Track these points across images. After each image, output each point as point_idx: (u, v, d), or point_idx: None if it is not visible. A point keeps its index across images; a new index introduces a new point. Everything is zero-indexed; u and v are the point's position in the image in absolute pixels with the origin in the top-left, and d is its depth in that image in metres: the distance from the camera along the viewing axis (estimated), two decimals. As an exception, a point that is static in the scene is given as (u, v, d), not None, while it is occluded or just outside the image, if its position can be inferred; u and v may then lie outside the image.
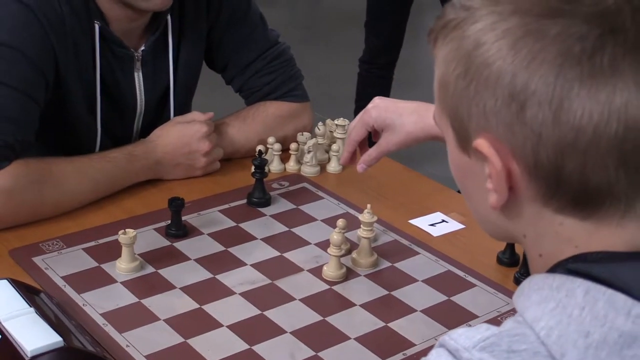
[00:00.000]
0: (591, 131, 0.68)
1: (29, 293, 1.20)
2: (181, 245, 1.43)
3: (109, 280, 1.33)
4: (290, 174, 1.70)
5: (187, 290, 1.31)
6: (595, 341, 0.67)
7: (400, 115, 1.35)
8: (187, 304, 1.28)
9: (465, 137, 0.76)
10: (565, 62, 0.68)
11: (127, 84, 1.64)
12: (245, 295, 1.31)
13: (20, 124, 1.45)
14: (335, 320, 1.26)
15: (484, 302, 1.31)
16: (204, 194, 1.60)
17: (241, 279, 1.35)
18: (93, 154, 1.57)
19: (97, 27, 1.55)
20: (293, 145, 1.70)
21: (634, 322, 0.67)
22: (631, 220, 0.71)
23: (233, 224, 1.50)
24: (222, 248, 1.43)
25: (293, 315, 1.26)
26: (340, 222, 1.36)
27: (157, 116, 1.71)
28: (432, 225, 1.53)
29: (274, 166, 1.69)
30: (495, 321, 1.26)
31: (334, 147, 1.71)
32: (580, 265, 0.71)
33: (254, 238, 1.46)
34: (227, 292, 1.31)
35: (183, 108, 1.74)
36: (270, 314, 1.26)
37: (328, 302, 1.31)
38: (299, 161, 1.71)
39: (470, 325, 1.24)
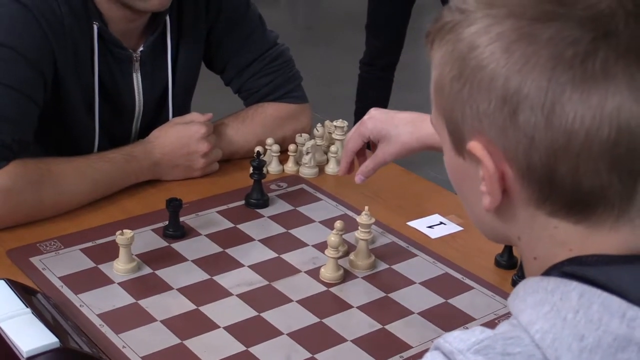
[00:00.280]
0: (583, 135, 0.68)
1: (25, 293, 1.20)
2: (179, 246, 1.43)
3: (106, 281, 1.32)
4: (288, 175, 1.70)
5: (184, 291, 1.31)
6: (589, 344, 0.67)
7: (396, 127, 1.36)
8: (184, 305, 1.28)
9: (460, 139, 0.76)
10: (558, 66, 0.68)
11: (125, 84, 1.64)
12: (242, 296, 1.30)
13: (18, 124, 1.45)
14: (332, 322, 1.26)
15: (481, 305, 1.31)
16: (202, 194, 1.60)
17: (238, 280, 1.35)
18: (91, 155, 1.57)
19: (95, 27, 1.55)
20: (292, 147, 1.70)
21: (629, 326, 0.67)
22: (625, 224, 0.71)
23: (231, 225, 1.50)
24: (219, 249, 1.43)
25: (290, 317, 1.26)
26: (338, 224, 1.36)
27: (155, 117, 1.71)
28: (430, 227, 1.53)
29: (273, 167, 1.69)
30: (493, 324, 1.26)
31: (333, 148, 1.71)
32: (575, 268, 0.71)
33: (251, 239, 1.46)
34: (224, 293, 1.31)
35: (182, 109, 1.74)
36: (267, 315, 1.26)
37: (325, 303, 1.31)
38: (298, 162, 1.71)
39: (467, 328, 1.25)
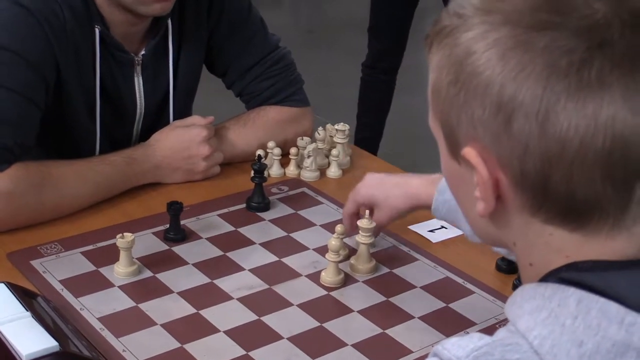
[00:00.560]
0: (577, 144, 0.68)
1: (25, 297, 1.20)
2: (179, 249, 1.43)
3: (106, 284, 1.32)
4: (289, 178, 1.70)
5: (184, 295, 1.31)
6: (588, 350, 0.67)
7: (385, 191, 1.40)
8: (185, 309, 1.28)
9: (455, 144, 0.76)
10: (553, 74, 0.68)
11: (127, 88, 1.64)
12: (243, 300, 1.30)
13: (20, 127, 1.46)
14: (332, 326, 1.26)
15: (482, 310, 1.31)
16: (203, 198, 1.59)
17: (239, 284, 1.34)
18: (93, 158, 1.57)
19: (97, 31, 1.55)
20: (293, 150, 1.70)
21: (627, 331, 0.67)
22: (620, 233, 0.71)
23: (232, 228, 1.50)
24: (220, 253, 1.43)
25: (290, 321, 1.26)
26: (339, 228, 1.36)
27: (157, 120, 1.71)
28: (431, 231, 1.52)
29: (274, 171, 1.69)
30: (493, 328, 1.26)
31: (334, 152, 1.71)
32: (572, 274, 0.71)
33: (252, 243, 1.46)
34: (225, 297, 1.31)
35: (183, 112, 1.74)
36: (268, 319, 1.26)
37: (326, 308, 1.30)
38: (299, 166, 1.71)
39: (467, 333, 1.24)
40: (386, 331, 1.25)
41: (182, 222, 1.46)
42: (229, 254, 1.42)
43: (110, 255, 1.37)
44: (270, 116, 1.75)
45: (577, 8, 0.69)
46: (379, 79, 3.40)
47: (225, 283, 1.34)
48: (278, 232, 1.50)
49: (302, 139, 1.73)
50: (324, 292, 1.34)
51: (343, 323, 1.27)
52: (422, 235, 1.51)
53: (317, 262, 1.41)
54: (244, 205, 1.57)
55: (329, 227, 1.49)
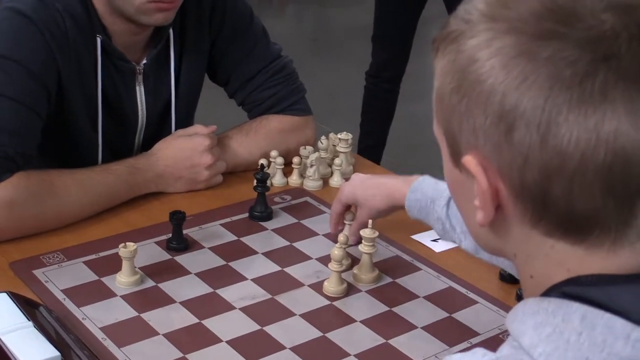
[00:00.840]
0: (578, 157, 0.67)
1: (28, 307, 1.20)
2: (182, 259, 1.42)
3: (109, 293, 1.32)
4: (292, 187, 1.70)
5: (187, 304, 1.30)
6: None
7: (365, 191, 1.44)
8: (187, 319, 1.27)
9: (457, 151, 0.75)
10: (555, 85, 0.67)
11: (128, 97, 1.65)
12: (245, 310, 1.30)
13: (22, 136, 1.46)
14: (335, 336, 1.25)
15: (485, 320, 1.30)
16: (205, 207, 1.59)
17: (241, 293, 1.34)
18: (95, 167, 1.57)
19: (99, 40, 1.55)
20: (296, 159, 1.70)
21: (634, 347, 0.66)
22: (623, 247, 0.70)
23: (234, 237, 1.50)
24: (222, 262, 1.42)
25: (293, 331, 1.26)
26: (342, 237, 1.35)
27: (158, 129, 1.71)
28: (434, 240, 1.52)
29: (277, 180, 1.69)
30: (497, 339, 1.25)
31: (337, 161, 1.71)
32: (575, 289, 0.70)
33: (255, 252, 1.46)
34: (227, 306, 1.31)
35: (185, 121, 1.74)
36: (270, 329, 1.26)
37: (328, 317, 1.30)
38: (302, 175, 1.71)
39: (471, 343, 1.24)
40: (389, 341, 1.25)
41: (184, 232, 1.46)
42: (232, 264, 1.42)
43: (112, 265, 1.36)
44: (272, 125, 1.75)
45: (584, 19, 0.67)
46: (383, 88, 3.40)
47: (228, 293, 1.34)
48: (281, 242, 1.50)
49: (305, 148, 1.73)
50: (327, 302, 1.33)
51: (346, 333, 1.26)
52: (425, 245, 1.51)
53: (319, 272, 1.40)
54: (246, 215, 1.57)
55: (332, 236, 1.49)
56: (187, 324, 1.26)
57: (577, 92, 0.66)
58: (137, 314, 1.28)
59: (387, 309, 1.32)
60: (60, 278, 1.35)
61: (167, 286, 1.35)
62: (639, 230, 0.70)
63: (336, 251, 1.33)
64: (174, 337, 1.23)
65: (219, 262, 1.42)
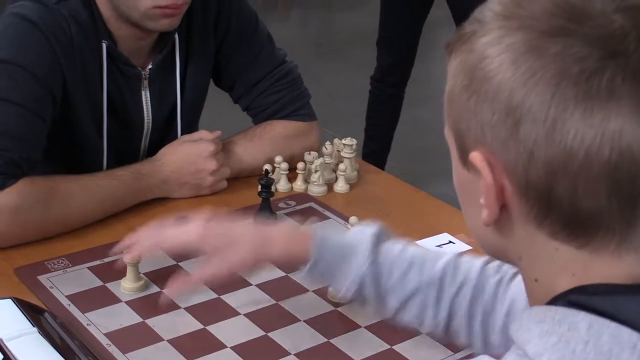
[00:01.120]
0: (583, 154, 0.67)
1: (32, 312, 1.20)
2: (186, 264, 1.42)
3: (113, 299, 1.32)
4: (297, 193, 1.70)
5: (191, 310, 1.30)
6: None
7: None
8: (191, 325, 1.27)
9: (465, 150, 0.75)
10: (562, 81, 0.67)
11: (134, 102, 1.65)
12: (250, 316, 1.30)
13: (27, 142, 1.46)
14: (339, 342, 1.25)
15: (490, 325, 1.30)
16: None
17: (246, 299, 1.34)
18: (100, 172, 1.57)
19: (104, 46, 1.55)
20: (300, 165, 1.70)
21: None
22: (628, 252, 0.70)
23: (239, 243, 1.50)
24: (227, 268, 1.42)
25: (297, 337, 1.26)
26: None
27: (164, 135, 1.71)
28: (439, 246, 1.52)
29: (281, 185, 1.69)
30: (501, 344, 1.25)
31: (341, 166, 1.71)
32: (581, 298, 0.70)
33: (259, 258, 1.46)
34: (232, 312, 1.31)
35: (190, 126, 1.74)
36: (275, 335, 1.26)
37: (333, 323, 1.30)
38: (306, 180, 1.71)
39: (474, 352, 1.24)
40: (394, 347, 1.24)
41: (189, 237, 1.46)
42: (236, 269, 1.42)
43: (117, 271, 1.36)
44: (277, 131, 1.75)
45: (594, 17, 0.68)
46: (388, 92, 3.40)
47: (232, 298, 1.34)
48: (285, 247, 1.49)
49: (310, 154, 1.73)
50: (331, 308, 1.33)
51: (350, 339, 1.26)
52: (429, 250, 1.51)
53: (324, 277, 1.40)
54: (251, 220, 1.57)
55: (336, 242, 1.49)
56: (191, 330, 1.26)
57: (584, 88, 0.66)
58: (141, 319, 1.28)
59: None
60: (64, 284, 1.35)
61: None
62: None
63: (341, 257, 1.33)
64: (178, 343, 1.23)
65: (223, 267, 1.42)
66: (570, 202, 0.69)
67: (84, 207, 1.50)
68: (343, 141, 1.75)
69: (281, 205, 1.63)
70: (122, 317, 1.28)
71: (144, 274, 1.37)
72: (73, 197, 1.48)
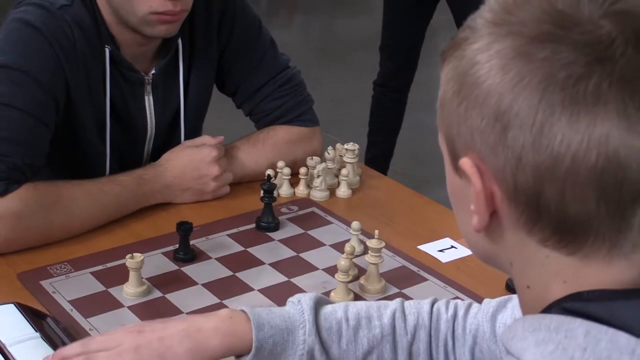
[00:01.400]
0: (569, 160, 0.67)
1: (35, 317, 1.20)
2: (189, 269, 1.42)
3: (115, 304, 1.32)
4: (299, 198, 1.70)
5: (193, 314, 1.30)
6: None
7: None
8: (194, 330, 1.27)
9: (456, 156, 0.75)
10: (549, 86, 0.67)
11: (137, 107, 1.65)
12: (252, 321, 1.30)
13: (30, 147, 1.46)
14: (341, 347, 1.25)
15: (492, 330, 1.30)
16: (212, 218, 1.59)
17: (248, 304, 1.32)
18: (102, 178, 1.58)
19: (107, 51, 1.56)
20: (302, 170, 1.70)
21: None
22: (618, 258, 0.70)
23: (241, 248, 1.50)
24: (229, 273, 1.42)
25: (299, 342, 1.25)
26: (348, 248, 1.35)
27: (167, 140, 1.72)
28: (440, 251, 1.52)
29: (284, 190, 1.69)
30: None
31: (344, 171, 1.71)
32: (576, 305, 0.69)
33: (261, 263, 1.46)
34: (234, 317, 1.30)
35: (193, 132, 1.74)
36: (277, 340, 1.26)
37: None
38: (309, 185, 1.71)
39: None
40: None
41: (191, 242, 1.46)
42: (239, 274, 1.42)
43: (119, 276, 1.37)
44: (280, 136, 1.75)
45: (582, 23, 0.68)
46: (391, 97, 3.41)
47: (235, 303, 1.34)
48: (287, 252, 1.50)
49: (312, 159, 1.73)
50: (334, 313, 1.33)
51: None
52: (431, 255, 1.51)
53: (326, 282, 1.40)
54: (253, 225, 1.57)
55: (339, 247, 1.49)
56: (193, 335, 1.26)
57: (570, 93, 0.66)
58: (144, 324, 1.28)
59: (394, 319, 1.32)
60: (67, 289, 1.35)
61: (174, 297, 1.35)
62: (634, 240, 0.69)
63: (343, 262, 1.33)
64: (180, 348, 1.23)
65: (225, 272, 1.42)
66: (559, 208, 0.69)
67: (87, 213, 1.50)
68: (345, 146, 1.75)
69: (283, 210, 1.63)
70: (124, 322, 1.28)
71: (146, 279, 1.37)
72: (76, 202, 1.48)
